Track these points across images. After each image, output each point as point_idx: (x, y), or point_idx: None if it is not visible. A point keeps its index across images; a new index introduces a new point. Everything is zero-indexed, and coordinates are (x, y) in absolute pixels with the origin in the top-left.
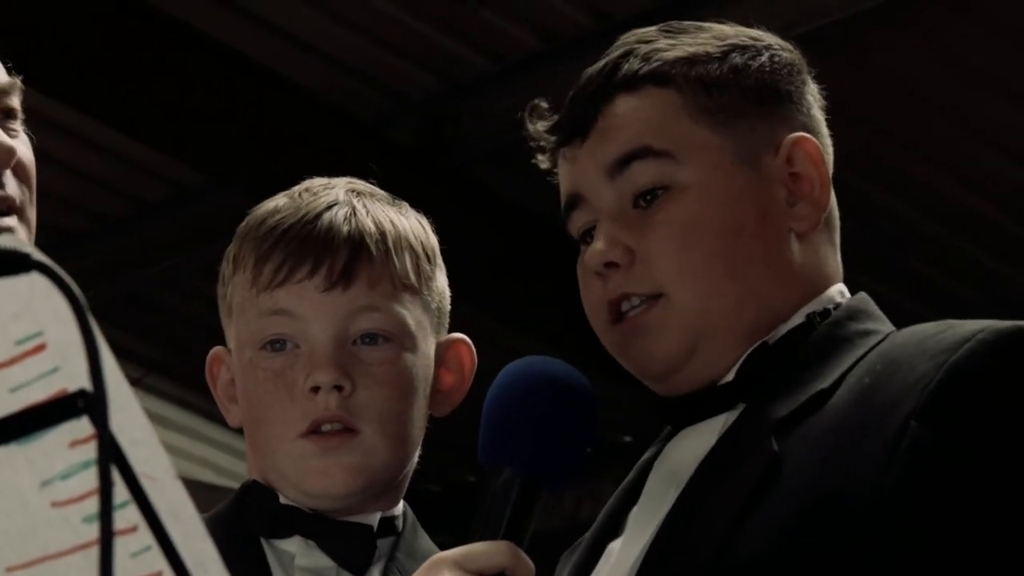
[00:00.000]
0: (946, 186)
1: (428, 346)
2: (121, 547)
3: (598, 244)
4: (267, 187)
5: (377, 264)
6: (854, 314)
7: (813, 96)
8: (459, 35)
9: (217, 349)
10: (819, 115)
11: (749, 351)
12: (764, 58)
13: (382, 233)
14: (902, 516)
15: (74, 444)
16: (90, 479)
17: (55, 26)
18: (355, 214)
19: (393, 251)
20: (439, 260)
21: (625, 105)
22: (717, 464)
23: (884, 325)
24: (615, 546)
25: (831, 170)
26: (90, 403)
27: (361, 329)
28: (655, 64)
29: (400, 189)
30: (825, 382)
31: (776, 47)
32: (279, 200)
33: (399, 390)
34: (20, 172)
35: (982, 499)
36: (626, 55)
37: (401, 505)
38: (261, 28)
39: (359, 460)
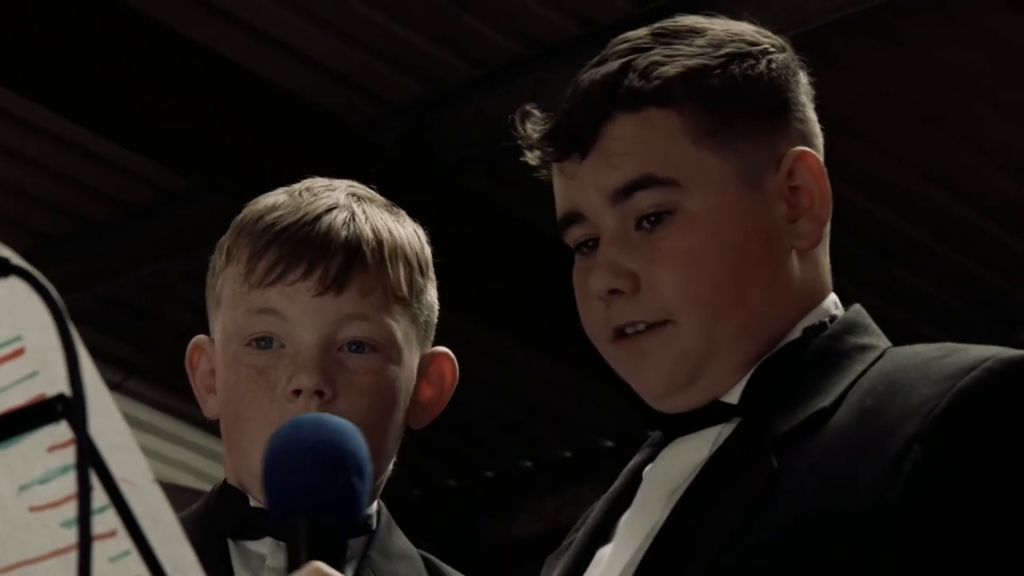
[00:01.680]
0: (930, 193)
1: (412, 359)
2: (99, 552)
3: (601, 270)
4: (251, 192)
5: (371, 273)
6: (851, 327)
7: (806, 93)
8: (443, 41)
9: (199, 338)
10: (812, 113)
11: (752, 372)
12: (762, 66)
13: (379, 242)
14: (901, 539)
15: (53, 449)
16: (68, 484)
17: (38, 29)
18: (354, 219)
19: (388, 261)
20: (431, 273)
21: (626, 127)
22: (715, 476)
23: (880, 339)
24: (605, 552)
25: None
26: (69, 408)
27: (348, 336)
28: (656, 83)
29: (384, 194)
30: (826, 400)
31: (772, 49)
32: (279, 196)
33: (380, 401)
34: None
35: (982, 526)
36: (624, 69)
37: (375, 504)
38: (245, 32)
39: None
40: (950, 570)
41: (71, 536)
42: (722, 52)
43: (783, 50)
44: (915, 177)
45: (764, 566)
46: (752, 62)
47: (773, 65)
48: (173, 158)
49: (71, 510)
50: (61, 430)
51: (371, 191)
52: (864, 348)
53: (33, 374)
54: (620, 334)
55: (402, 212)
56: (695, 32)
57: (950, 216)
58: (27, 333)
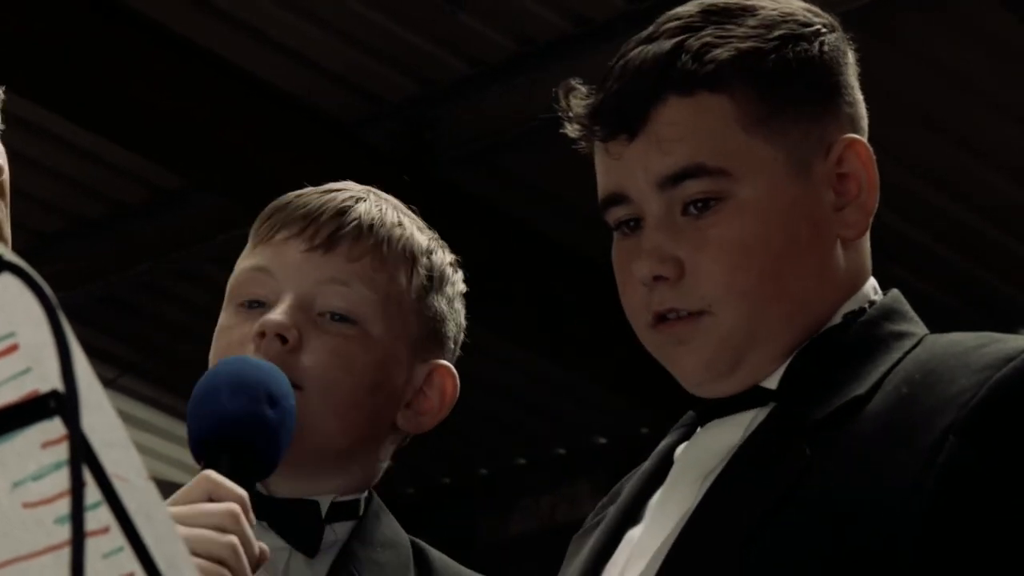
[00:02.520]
0: (929, 194)
1: (401, 350)
2: (93, 548)
3: (647, 256)
4: (244, 190)
5: (364, 243)
6: (888, 314)
7: (854, 74)
8: (438, 39)
9: None
10: (859, 94)
11: (792, 358)
12: (815, 49)
13: (383, 222)
14: (934, 529)
15: (46, 445)
16: (62, 480)
17: (36, 29)
18: (362, 200)
19: (388, 240)
20: (446, 290)
21: (678, 112)
22: (748, 462)
23: (918, 326)
24: (635, 533)
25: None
26: (62, 404)
27: (328, 305)
28: (709, 67)
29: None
30: (861, 388)
31: (824, 30)
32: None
33: (347, 365)
34: None
35: (1017, 518)
36: (676, 51)
37: (366, 491)
38: (239, 31)
39: None
40: (981, 562)
41: (64, 532)
42: (775, 34)
43: (834, 29)
44: (914, 177)
45: (795, 553)
46: (805, 45)
47: (826, 48)
48: (169, 157)
49: (64, 506)
50: (54, 426)
51: (406, 206)
52: (901, 335)
53: (26, 370)
54: (660, 319)
55: (434, 233)
56: (746, 11)
57: (948, 217)
58: (20, 329)
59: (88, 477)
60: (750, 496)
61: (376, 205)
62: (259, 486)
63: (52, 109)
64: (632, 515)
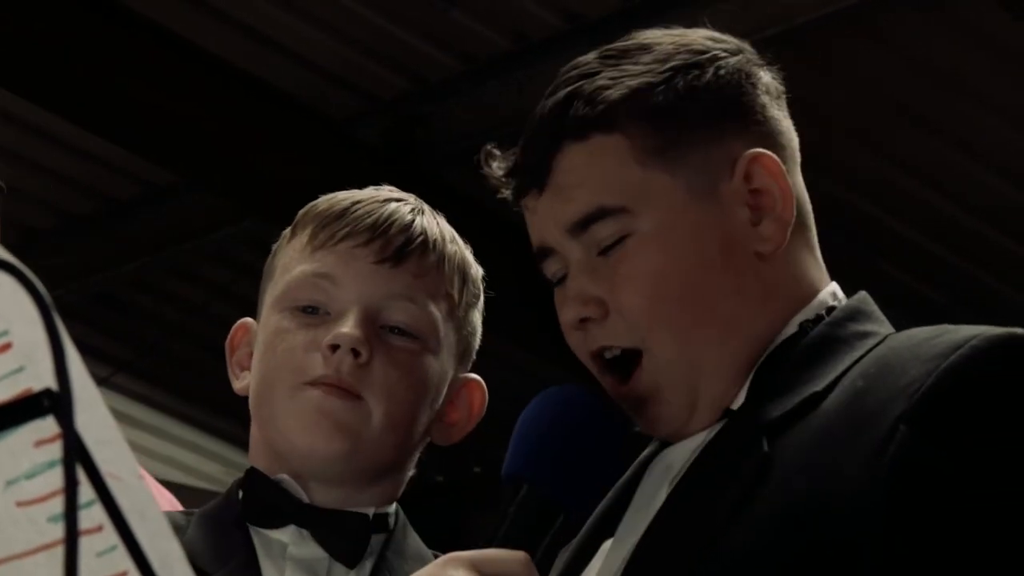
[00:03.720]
0: (921, 192)
1: (448, 365)
2: (86, 547)
3: (570, 301)
4: (237, 187)
5: (429, 259)
6: (853, 315)
7: (768, 93)
8: (430, 36)
9: (246, 320)
10: (777, 112)
11: (752, 374)
12: (709, 75)
13: (442, 238)
14: (887, 519)
15: (39, 444)
16: (55, 479)
17: (26, 26)
18: (422, 213)
19: (447, 258)
20: (480, 302)
21: (575, 158)
22: (708, 464)
23: (883, 326)
24: (607, 544)
25: (797, 167)
26: (56, 402)
27: (393, 320)
28: (600, 108)
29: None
30: (819, 385)
31: (722, 55)
32: (351, 191)
33: (411, 380)
34: None
35: (967, 505)
36: (570, 98)
37: (394, 504)
38: (232, 28)
39: (351, 422)
40: (935, 550)
41: (58, 531)
42: (667, 66)
43: (737, 53)
44: (905, 175)
45: (755, 550)
46: (697, 72)
47: (722, 71)
48: (161, 154)
49: (58, 505)
50: (48, 425)
51: None
52: (865, 335)
53: (20, 369)
54: (598, 359)
55: (467, 245)
56: (643, 49)
57: (939, 214)
58: (14, 328)
59: (82, 476)
60: (711, 496)
61: (432, 219)
62: (303, 493)
63: (44, 105)
64: (609, 525)
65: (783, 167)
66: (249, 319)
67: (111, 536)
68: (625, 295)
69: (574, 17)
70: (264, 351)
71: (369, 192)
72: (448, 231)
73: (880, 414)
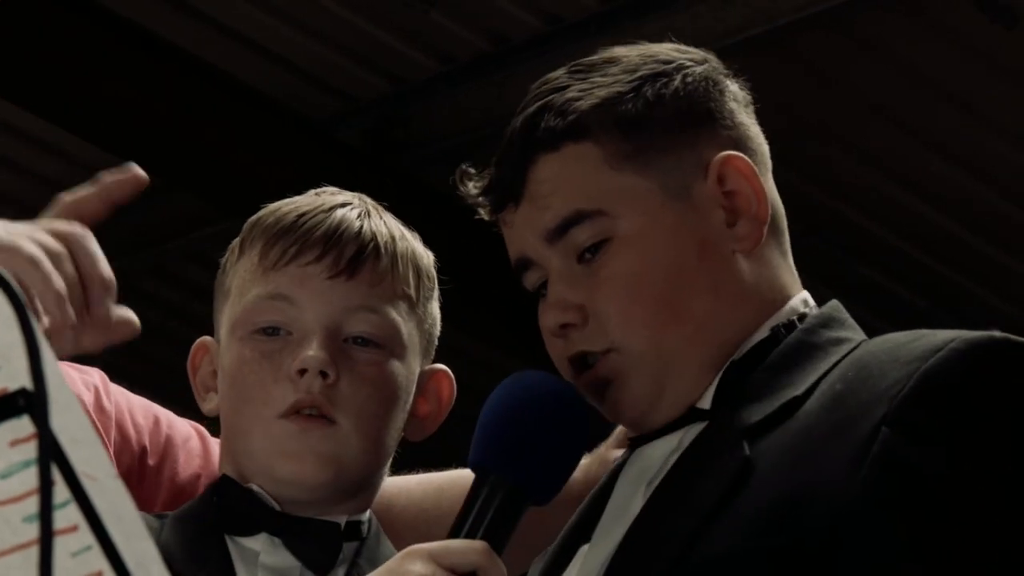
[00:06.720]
0: (899, 194)
1: (414, 364)
2: (61, 547)
3: (551, 308)
4: (217, 189)
5: (382, 265)
6: (827, 322)
7: (736, 100)
8: (409, 37)
9: (204, 339)
10: (746, 119)
11: (720, 376)
12: (676, 82)
13: (392, 238)
14: (870, 520)
15: (14, 443)
16: (30, 478)
17: (8, 29)
18: (368, 216)
19: (399, 259)
20: (436, 290)
21: (548, 168)
22: (688, 468)
23: (857, 333)
24: (584, 549)
25: (769, 173)
26: (31, 402)
27: (355, 331)
28: (571, 118)
29: (350, 191)
30: (798, 389)
31: (688, 64)
32: (294, 199)
33: (381, 393)
34: None
35: (949, 505)
36: (541, 111)
37: (368, 512)
38: (212, 30)
39: (332, 450)
40: (920, 550)
41: (33, 531)
42: (636, 76)
43: (703, 63)
44: (882, 177)
45: (736, 553)
46: (665, 80)
47: (689, 79)
48: (138, 155)
49: (33, 505)
50: (23, 424)
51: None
52: (839, 340)
53: None
54: (577, 365)
55: (413, 231)
56: (611, 62)
57: (918, 217)
58: None
59: (57, 476)
60: (690, 500)
61: (379, 219)
62: (274, 502)
63: (26, 108)
64: (585, 530)
65: (755, 168)
66: (208, 338)
67: (86, 536)
68: (604, 298)
69: (553, 19)
70: (232, 383)
71: (312, 200)
72: (396, 228)
73: (861, 417)
